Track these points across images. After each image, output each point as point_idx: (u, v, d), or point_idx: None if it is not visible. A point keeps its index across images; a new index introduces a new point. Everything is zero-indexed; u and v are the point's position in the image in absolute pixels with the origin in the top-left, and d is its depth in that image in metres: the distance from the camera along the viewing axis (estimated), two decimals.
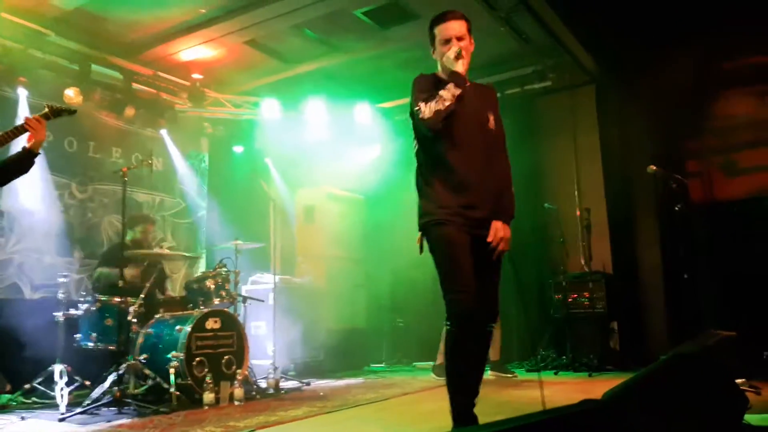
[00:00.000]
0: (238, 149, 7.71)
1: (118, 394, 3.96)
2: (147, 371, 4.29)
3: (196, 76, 6.63)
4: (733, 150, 6.36)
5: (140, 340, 4.50)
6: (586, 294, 6.00)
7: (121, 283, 4.38)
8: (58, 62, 5.62)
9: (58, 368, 4.41)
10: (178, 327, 4.44)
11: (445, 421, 2.58)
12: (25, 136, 3.30)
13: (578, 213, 6.55)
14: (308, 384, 5.30)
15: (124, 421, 3.73)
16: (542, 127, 7.05)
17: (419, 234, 2.73)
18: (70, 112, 3.51)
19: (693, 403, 2.22)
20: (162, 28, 5.77)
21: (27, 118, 3.30)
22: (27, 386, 4.43)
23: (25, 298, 5.51)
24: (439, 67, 2.77)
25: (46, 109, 3.40)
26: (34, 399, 4.45)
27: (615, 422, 1.67)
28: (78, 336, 4.60)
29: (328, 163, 7.40)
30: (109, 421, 3.72)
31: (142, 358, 4.38)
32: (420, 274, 6.81)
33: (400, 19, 5.69)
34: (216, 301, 4.80)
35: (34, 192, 5.62)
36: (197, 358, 4.37)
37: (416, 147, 2.79)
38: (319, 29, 5.93)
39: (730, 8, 5.48)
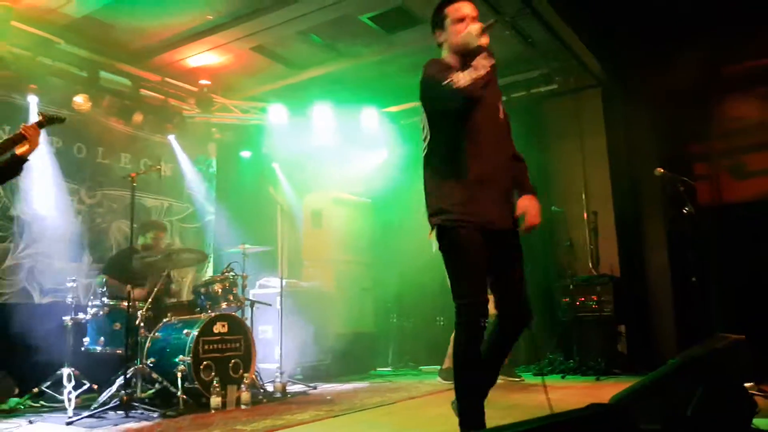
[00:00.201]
0: (245, 154, 7.75)
1: (125, 398, 3.98)
2: (154, 375, 4.31)
3: (203, 82, 6.67)
4: (741, 152, 6.33)
5: (148, 344, 4.52)
6: (594, 297, 5.98)
7: (128, 289, 4.40)
8: (67, 69, 5.67)
9: (66, 372, 4.45)
10: (185, 331, 4.46)
11: (452, 425, 2.58)
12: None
13: (585, 216, 6.54)
14: (315, 388, 5.30)
15: (132, 424, 3.74)
16: (549, 130, 7.04)
17: (431, 230, 2.60)
18: (60, 120, 3.58)
19: (701, 407, 2.21)
20: (169, 35, 5.82)
21: (24, 126, 3.35)
22: (35, 390, 4.48)
23: (34, 302, 5.54)
24: (446, 53, 2.69)
25: (40, 117, 3.45)
26: (42, 402, 4.49)
27: (623, 426, 1.66)
28: (86, 340, 4.63)
29: (335, 168, 7.43)
30: (116, 425, 3.74)
31: (149, 362, 4.40)
32: (427, 278, 6.81)
33: (406, 24, 5.71)
34: (223, 305, 4.82)
35: (44, 197, 5.66)
36: (204, 362, 4.39)
37: (428, 139, 2.65)
38: (326, 35, 5.96)
39: (736, 10, 5.46)
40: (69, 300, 4.66)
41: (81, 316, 4.67)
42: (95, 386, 4.55)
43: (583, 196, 6.66)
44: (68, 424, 3.80)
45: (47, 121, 3.47)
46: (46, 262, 5.67)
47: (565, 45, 5.96)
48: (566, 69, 6.53)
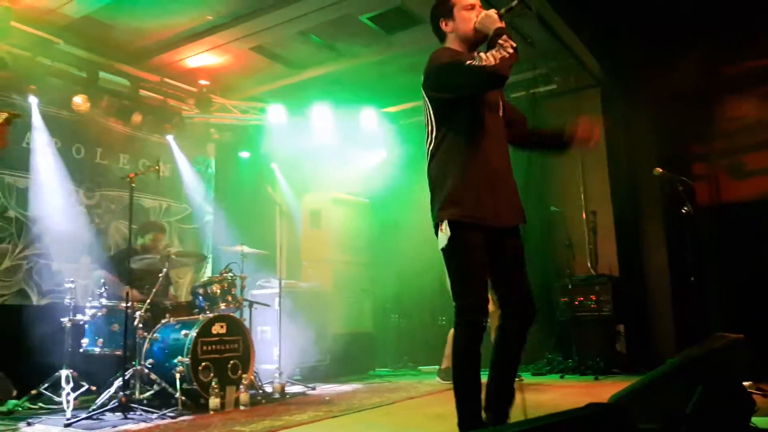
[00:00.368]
0: (244, 155, 7.75)
1: (124, 399, 3.97)
2: (153, 376, 4.31)
3: (202, 82, 6.67)
4: (740, 152, 6.33)
5: (146, 345, 4.51)
6: (593, 297, 5.98)
7: (126, 290, 4.40)
8: (66, 70, 5.67)
9: (64, 374, 4.43)
10: (184, 332, 4.45)
11: (450, 425, 2.57)
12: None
13: (584, 216, 6.54)
14: (314, 388, 5.30)
15: (130, 426, 3.73)
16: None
17: (440, 225, 2.53)
18: (18, 116, 3.54)
19: (700, 406, 2.21)
20: (169, 35, 5.82)
21: None
22: (33, 392, 4.47)
23: (32, 303, 5.54)
24: (450, 43, 2.66)
25: (6, 115, 3.43)
26: (40, 404, 4.48)
27: (622, 426, 1.66)
28: (85, 341, 4.62)
29: (334, 168, 7.42)
30: (114, 426, 3.73)
31: (148, 363, 4.39)
32: (426, 278, 6.82)
33: (406, 24, 5.71)
34: (222, 305, 4.81)
35: (42, 198, 5.66)
36: (203, 363, 4.38)
37: (434, 132, 2.60)
38: (325, 35, 5.96)
39: (735, 10, 5.47)
40: (67, 301, 4.65)
41: (79, 317, 4.66)
42: (94, 388, 4.54)
43: (582, 196, 6.66)
44: (67, 425, 3.78)
45: (9, 121, 3.44)
46: (45, 264, 5.66)
47: (564, 45, 5.96)
48: (565, 69, 6.54)
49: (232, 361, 4.60)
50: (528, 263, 2.67)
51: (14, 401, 4.44)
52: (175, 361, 4.30)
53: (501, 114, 2.71)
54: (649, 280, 6.45)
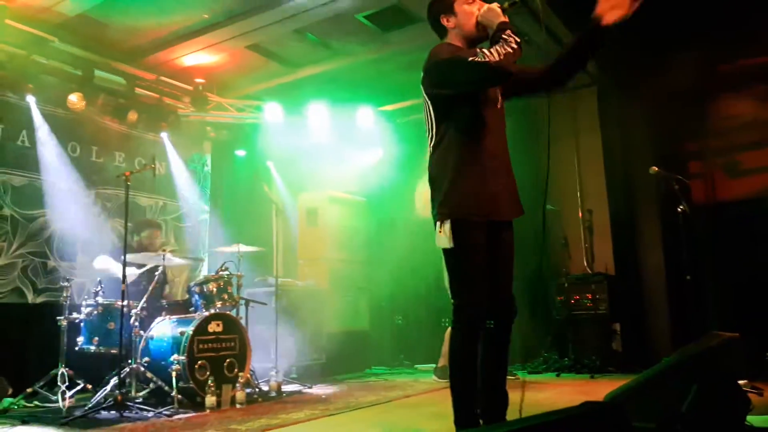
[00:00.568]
0: (240, 153, 7.72)
1: (119, 397, 3.96)
2: (149, 374, 4.30)
3: (198, 80, 6.65)
4: (736, 151, 6.35)
5: (142, 343, 4.51)
6: (589, 295, 6.00)
7: (123, 287, 4.38)
8: (61, 68, 5.63)
9: (60, 372, 4.41)
10: (180, 330, 4.45)
11: (447, 423, 2.58)
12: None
13: (580, 214, 6.55)
14: (310, 387, 5.29)
15: (126, 424, 3.72)
16: (544, 128, 7.05)
17: (442, 223, 2.50)
18: None
19: (696, 404, 2.21)
20: (164, 34, 5.80)
21: None
22: (29, 390, 4.44)
23: (28, 302, 5.51)
24: (450, 39, 2.66)
25: None
26: (36, 403, 4.45)
27: (617, 424, 1.66)
28: (80, 339, 4.60)
29: (331, 167, 7.41)
30: (110, 425, 3.72)
31: (144, 361, 4.38)
32: (422, 276, 6.82)
33: (402, 23, 5.70)
34: (218, 304, 4.80)
35: (37, 196, 5.64)
36: (199, 362, 4.38)
37: (434, 129, 2.58)
38: (321, 33, 5.95)
39: (731, 9, 5.48)
40: (63, 299, 4.63)
41: (75, 315, 4.64)
42: (89, 386, 4.52)
43: (578, 195, 6.68)
44: (62, 424, 3.77)
45: None
46: (40, 262, 5.64)
47: (560, 44, 5.95)
48: None
49: (228, 360, 4.59)
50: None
51: (10, 399, 4.42)
52: (171, 359, 4.30)
53: (499, 106, 2.70)
54: (645, 279, 6.46)
